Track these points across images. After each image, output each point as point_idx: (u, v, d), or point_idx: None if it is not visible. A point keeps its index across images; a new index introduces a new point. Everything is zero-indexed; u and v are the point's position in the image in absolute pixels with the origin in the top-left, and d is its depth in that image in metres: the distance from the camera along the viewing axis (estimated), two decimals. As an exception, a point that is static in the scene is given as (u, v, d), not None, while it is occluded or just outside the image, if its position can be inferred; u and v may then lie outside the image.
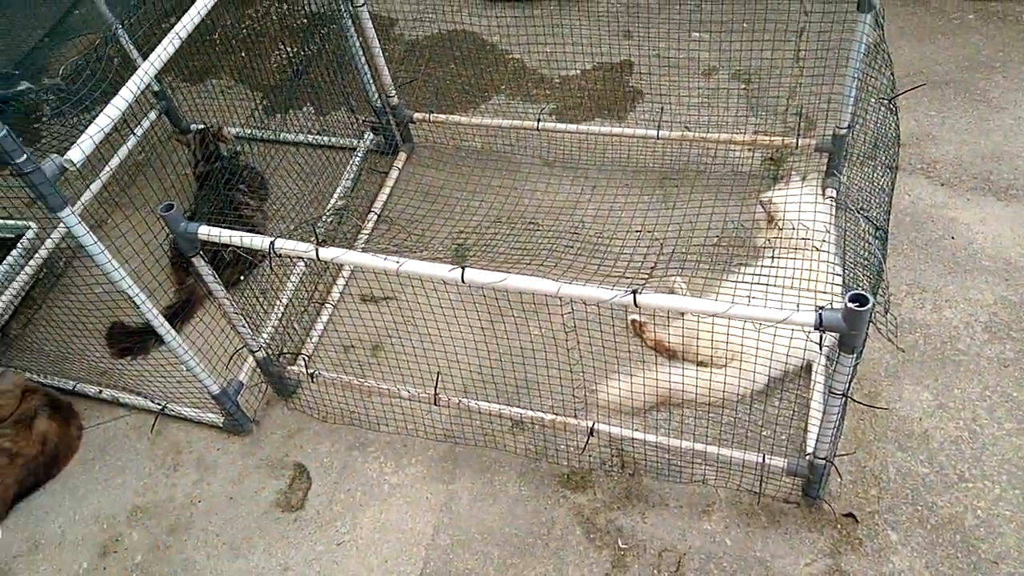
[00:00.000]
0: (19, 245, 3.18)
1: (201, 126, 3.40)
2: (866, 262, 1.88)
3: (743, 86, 3.43)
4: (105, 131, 1.90)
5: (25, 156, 1.78)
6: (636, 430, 2.26)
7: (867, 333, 1.65)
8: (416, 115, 3.38)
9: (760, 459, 2.13)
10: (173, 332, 2.29)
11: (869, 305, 1.55)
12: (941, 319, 2.57)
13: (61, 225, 3.24)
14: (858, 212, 2.01)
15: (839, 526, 2.18)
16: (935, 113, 3.23)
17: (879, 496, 2.21)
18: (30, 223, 3.26)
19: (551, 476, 2.41)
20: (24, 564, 2.49)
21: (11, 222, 3.28)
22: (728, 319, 2.06)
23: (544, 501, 2.36)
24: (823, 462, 2.03)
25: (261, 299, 2.88)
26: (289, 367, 2.62)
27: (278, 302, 2.88)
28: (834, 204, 2.68)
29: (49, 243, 3.23)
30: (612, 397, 2.42)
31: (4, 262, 3.10)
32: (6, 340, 3.07)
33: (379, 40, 3.06)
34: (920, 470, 2.25)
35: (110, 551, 2.47)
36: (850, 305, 1.55)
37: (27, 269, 3.15)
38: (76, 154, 1.84)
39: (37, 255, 3.19)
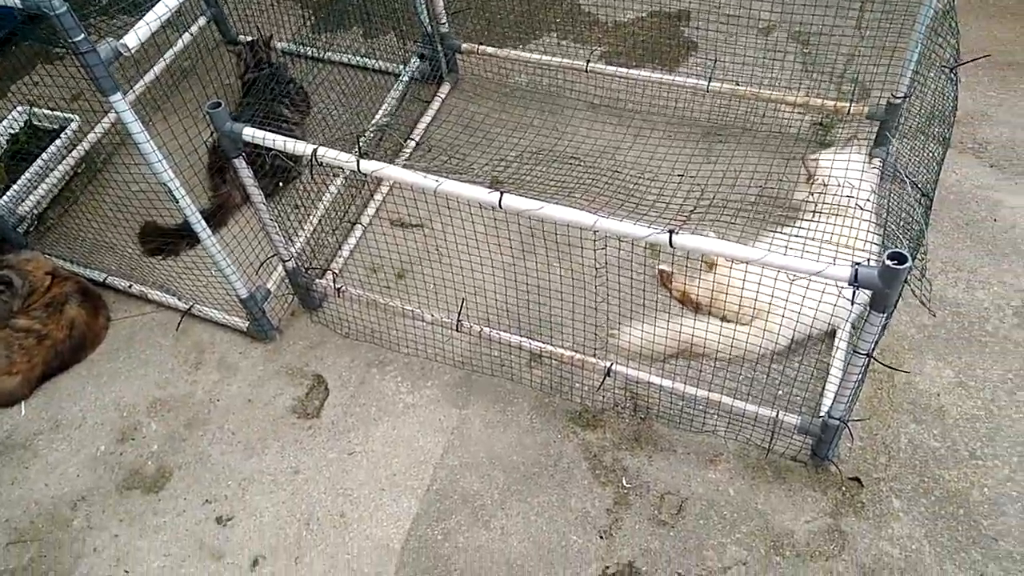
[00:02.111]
0: (61, 136, 3.22)
1: (251, 38, 3.40)
2: (907, 227, 1.85)
3: (800, 47, 3.36)
4: (161, 20, 1.89)
5: (83, 35, 1.79)
6: (653, 375, 2.27)
7: (900, 294, 1.64)
8: (464, 45, 3.35)
9: (774, 414, 2.14)
10: (209, 230, 2.32)
11: (907, 264, 1.53)
12: (972, 299, 2.54)
13: (104, 121, 3.32)
14: (905, 177, 1.97)
15: (843, 488, 2.19)
16: (994, 93, 3.15)
17: (887, 464, 2.22)
18: (73, 116, 3.29)
19: (563, 412, 2.43)
20: (44, 441, 2.57)
21: (56, 113, 3.32)
22: (759, 274, 2.07)
23: (554, 435, 2.39)
24: (836, 422, 2.03)
25: (295, 212, 2.90)
26: (317, 280, 2.65)
27: (312, 216, 2.90)
28: (880, 171, 2.64)
29: (91, 137, 3.28)
30: (633, 341, 2.43)
31: (46, 152, 3.15)
32: (43, 227, 3.13)
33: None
34: (932, 443, 2.24)
35: (128, 438, 2.55)
36: (888, 263, 1.54)
37: (68, 160, 3.20)
38: (132, 39, 1.84)
39: (78, 148, 3.24)
